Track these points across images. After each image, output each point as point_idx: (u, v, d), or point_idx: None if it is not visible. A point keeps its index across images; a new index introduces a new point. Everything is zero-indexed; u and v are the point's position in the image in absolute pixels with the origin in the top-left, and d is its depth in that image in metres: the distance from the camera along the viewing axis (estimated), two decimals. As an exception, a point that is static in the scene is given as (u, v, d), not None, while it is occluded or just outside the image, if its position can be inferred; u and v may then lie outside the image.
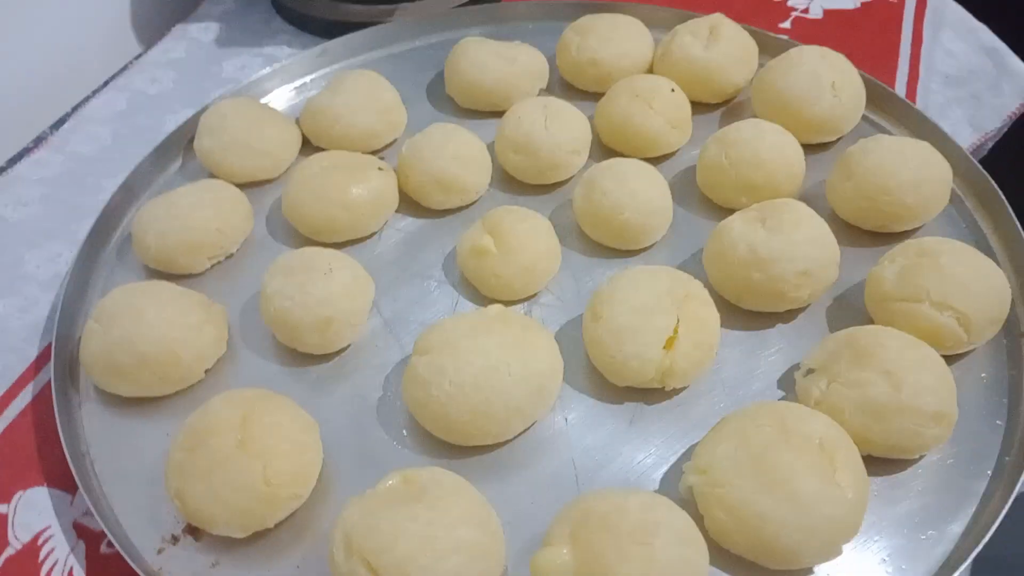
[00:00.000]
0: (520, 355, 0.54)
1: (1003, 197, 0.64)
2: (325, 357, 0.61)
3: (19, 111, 0.81)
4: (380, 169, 0.69)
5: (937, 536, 0.50)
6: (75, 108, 0.83)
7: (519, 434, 0.55)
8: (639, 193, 0.65)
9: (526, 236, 0.63)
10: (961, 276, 0.55)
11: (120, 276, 0.67)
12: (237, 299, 0.64)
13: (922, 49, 0.87)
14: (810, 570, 0.49)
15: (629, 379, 0.56)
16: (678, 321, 0.55)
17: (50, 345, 0.61)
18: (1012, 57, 0.91)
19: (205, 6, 0.95)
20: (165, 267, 0.65)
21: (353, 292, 0.60)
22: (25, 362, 0.62)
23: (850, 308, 0.61)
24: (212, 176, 0.71)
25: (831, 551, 0.47)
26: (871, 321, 0.59)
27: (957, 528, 0.50)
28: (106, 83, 0.86)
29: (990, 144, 0.83)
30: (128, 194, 0.71)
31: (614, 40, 0.78)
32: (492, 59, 0.77)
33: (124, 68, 0.88)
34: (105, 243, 0.69)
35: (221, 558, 0.51)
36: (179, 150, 0.75)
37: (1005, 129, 0.84)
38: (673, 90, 0.72)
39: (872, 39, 0.87)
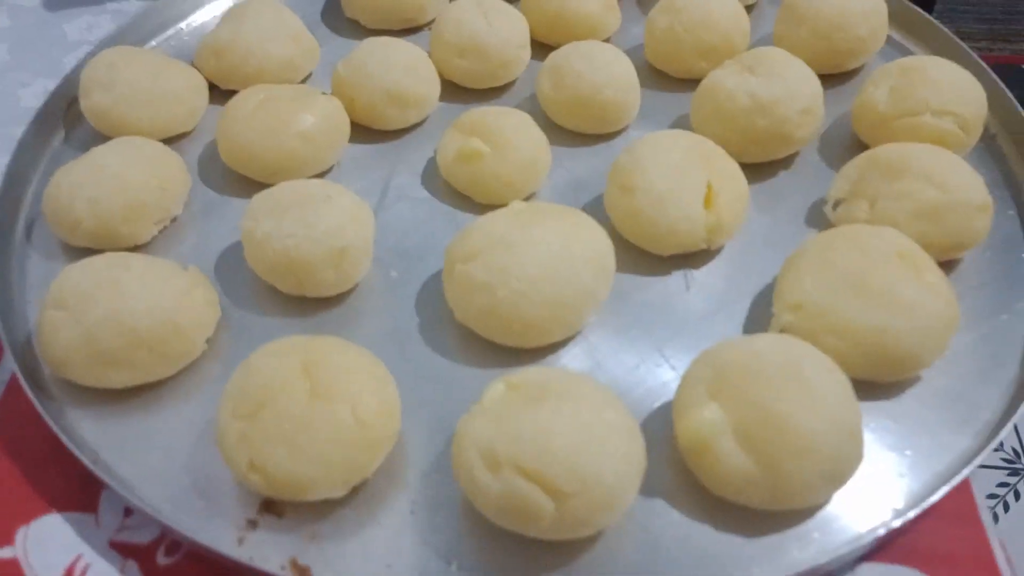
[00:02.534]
0: (577, 237, 0.50)
1: (935, 21, 0.68)
2: (336, 300, 0.53)
3: None
4: (324, 94, 0.61)
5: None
6: None
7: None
8: (613, 69, 0.62)
9: (516, 130, 0.58)
10: (951, 82, 0.58)
11: (40, 266, 0.55)
12: (203, 262, 0.55)
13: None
14: (919, 377, 0.49)
15: (677, 245, 0.54)
16: (710, 178, 0.54)
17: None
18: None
19: (13, -30, 0.81)
20: (101, 242, 0.54)
21: (359, 217, 0.53)
22: (-43, 386, 0.50)
23: (838, 142, 0.63)
24: (109, 139, 0.60)
25: (943, 346, 0.47)
26: (865, 147, 0.60)
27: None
28: (-78, 68, 0.71)
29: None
30: (18, 179, 0.58)
31: (516, -64, 0.74)
32: (398, -31, 0.71)
33: (-63, 49, 0.73)
34: (10, 234, 0.56)
35: (318, 527, 0.43)
36: (58, 120, 0.63)
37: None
38: (598, -28, 0.70)
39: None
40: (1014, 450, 1.43)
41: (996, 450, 1.43)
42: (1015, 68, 1.97)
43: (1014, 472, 1.42)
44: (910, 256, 0.49)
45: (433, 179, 0.61)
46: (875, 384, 0.48)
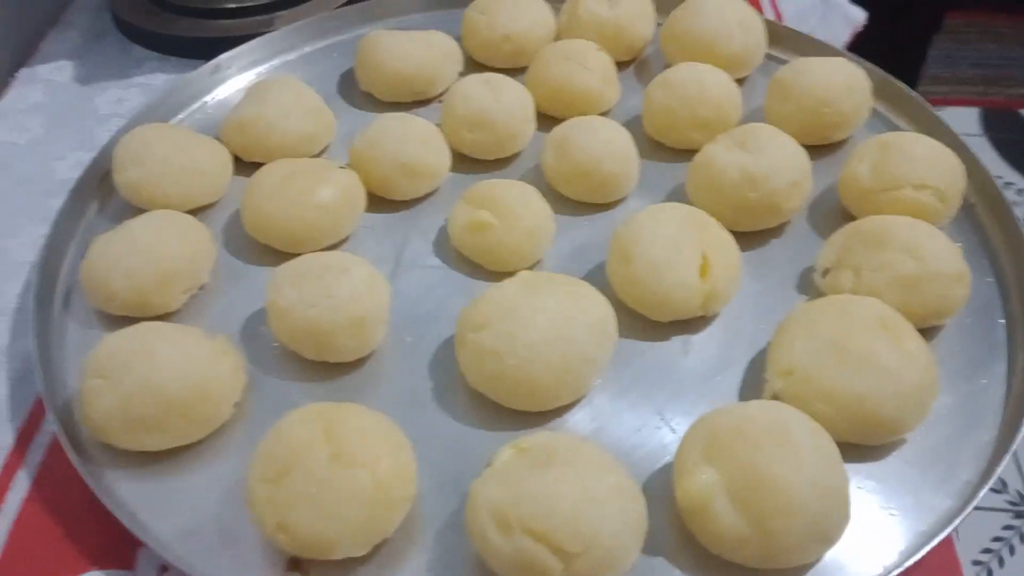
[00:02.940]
0: (579, 305, 0.54)
1: (918, 95, 0.73)
2: (354, 365, 0.57)
3: None
4: (342, 168, 0.65)
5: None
6: (-66, 174, 0.72)
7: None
8: (612, 143, 0.66)
9: (520, 202, 0.62)
10: (928, 157, 0.62)
11: (77, 333, 0.59)
12: (229, 328, 0.59)
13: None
14: (904, 440, 0.52)
15: (673, 312, 0.57)
16: (704, 248, 0.57)
17: (27, 423, 0.54)
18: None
19: (47, 45, 0.86)
20: (134, 310, 0.58)
21: (375, 287, 0.56)
22: (3, 449, 0.53)
23: (826, 211, 0.67)
24: (141, 211, 0.64)
25: (924, 412, 0.51)
26: (851, 217, 0.64)
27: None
28: (-39, 141, 0.75)
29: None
30: (57, 250, 0.62)
31: (520, 14, 0.79)
32: (410, 47, 0.75)
33: (-26, 123, 0.77)
34: (49, 304, 0.60)
35: (341, 585, 0.46)
36: (92, 192, 0.67)
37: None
38: (599, 49, 0.75)
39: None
40: (1020, 493, 1.45)
41: (999, 492, 1.45)
42: (1009, 112, 2.03)
43: (1019, 515, 1.44)
44: (892, 325, 0.52)
45: (444, 247, 0.65)
46: (862, 446, 0.51)
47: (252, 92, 0.71)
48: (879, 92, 0.73)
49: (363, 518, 0.45)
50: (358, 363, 0.57)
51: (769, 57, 0.79)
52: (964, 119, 2.01)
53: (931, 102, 0.74)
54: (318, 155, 0.72)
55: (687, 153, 0.70)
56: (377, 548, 0.47)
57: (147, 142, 0.65)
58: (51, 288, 0.60)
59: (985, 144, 1.88)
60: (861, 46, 0.90)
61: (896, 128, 0.73)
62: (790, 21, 0.92)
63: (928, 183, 0.61)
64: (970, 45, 2.38)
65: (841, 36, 1.01)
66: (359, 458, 0.46)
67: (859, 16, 1.00)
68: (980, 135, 1.93)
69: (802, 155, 0.64)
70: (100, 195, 0.68)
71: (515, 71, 0.78)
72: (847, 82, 0.69)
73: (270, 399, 0.55)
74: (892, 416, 0.50)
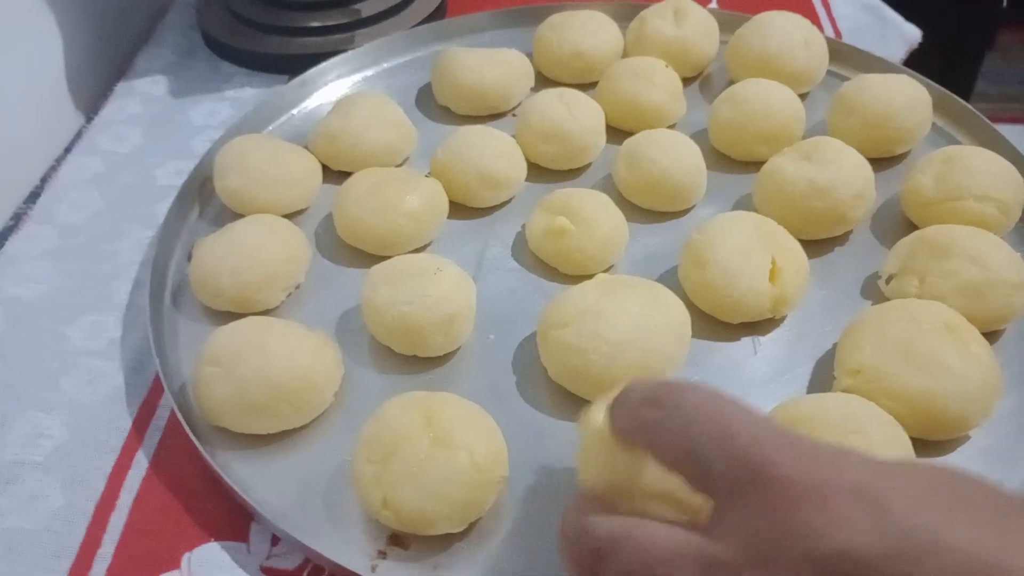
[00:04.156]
0: (658, 308, 0.57)
1: (975, 110, 0.75)
2: (442, 360, 0.61)
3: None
4: (426, 176, 0.70)
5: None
6: (44, 179, 0.77)
7: (663, 384, 0.58)
8: (682, 156, 0.70)
9: (596, 209, 0.66)
10: (991, 170, 0.64)
11: (186, 327, 0.63)
12: (323, 325, 0.63)
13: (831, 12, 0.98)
14: (967, 436, 0.55)
15: (744, 314, 0.60)
16: (774, 254, 0.61)
17: (143, 408, 0.59)
18: (888, 10, 1.05)
19: (142, 62, 0.91)
20: (239, 307, 0.62)
21: (463, 287, 0.60)
22: (123, 432, 0.57)
23: (889, 221, 0.69)
24: (238, 215, 0.69)
25: (988, 411, 0.53)
26: (913, 227, 0.67)
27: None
28: (67, 150, 0.81)
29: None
30: (165, 251, 0.67)
31: (591, 32, 0.83)
32: (486, 64, 0.79)
33: (80, 133, 0.83)
34: (160, 300, 0.64)
35: (439, 559, 0.50)
36: (194, 198, 0.72)
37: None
38: (666, 66, 0.78)
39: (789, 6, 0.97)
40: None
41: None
42: (1058, 131, 2.03)
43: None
44: (957, 328, 0.55)
45: (522, 251, 0.69)
46: (927, 441, 0.54)
47: (340, 106, 0.76)
48: (938, 107, 0.76)
49: (461, 497, 0.48)
50: (445, 358, 0.61)
51: (830, 73, 0.82)
52: (1011, 136, 2.03)
53: (979, 119, 0.76)
54: (400, 165, 0.76)
55: (752, 165, 0.73)
56: (472, 526, 0.50)
57: (244, 152, 0.70)
58: (162, 285, 0.65)
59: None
60: (915, 63, 0.92)
61: (955, 142, 0.76)
62: (847, 38, 0.95)
63: (990, 195, 0.63)
64: (1018, 63, 2.38)
65: (897, 53, 1.03)
66: (458, 441, 0.49)
67: (915, 34, 1.02)
68: (1028, 152, 1.93)
69: (866, 167, 0.67)
70: (201, 200, 0.72)
71: (583, 87, 0.81)
72: (909, 98, 0.72)
73: (365, 390, 0.59)
74: (958, 414, 0.52)
